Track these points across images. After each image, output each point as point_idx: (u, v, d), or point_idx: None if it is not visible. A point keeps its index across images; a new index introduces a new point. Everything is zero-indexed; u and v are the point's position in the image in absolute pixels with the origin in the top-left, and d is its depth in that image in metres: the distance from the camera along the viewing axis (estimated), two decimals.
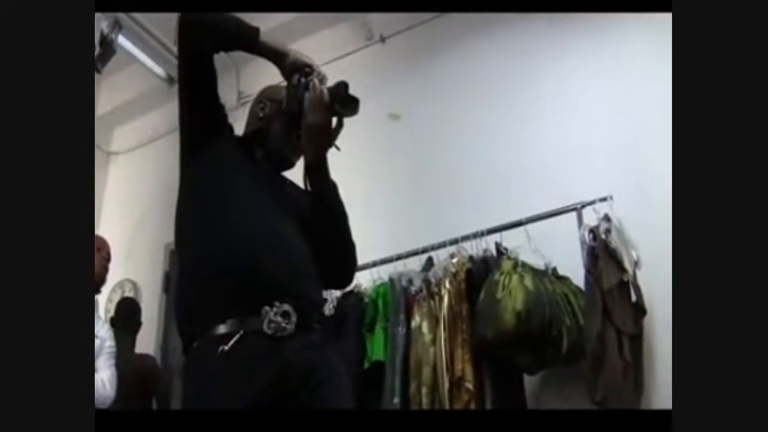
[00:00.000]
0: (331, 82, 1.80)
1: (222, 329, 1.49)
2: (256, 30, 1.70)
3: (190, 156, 1.76)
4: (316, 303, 1.68)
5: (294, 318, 1.51)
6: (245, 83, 5.12)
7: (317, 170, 1.74)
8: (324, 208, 1.75)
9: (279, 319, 1.49)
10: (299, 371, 1.50)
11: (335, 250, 1.78)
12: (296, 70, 1.72)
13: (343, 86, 1.69)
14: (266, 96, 1.87)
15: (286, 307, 1.51)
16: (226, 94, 5.58)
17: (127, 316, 4.11)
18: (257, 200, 1.68)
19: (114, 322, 3.99)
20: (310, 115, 1.67)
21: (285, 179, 1.87)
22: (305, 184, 1.76)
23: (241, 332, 1.47)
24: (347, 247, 1.81)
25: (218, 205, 1.67)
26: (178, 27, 1.68)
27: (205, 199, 1.69)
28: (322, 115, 1.68)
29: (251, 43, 1.71)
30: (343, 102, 1.68)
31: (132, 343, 4.03)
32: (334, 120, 1.72)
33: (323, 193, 1.75)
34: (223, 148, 1.75)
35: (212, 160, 1.72)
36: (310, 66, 1.72)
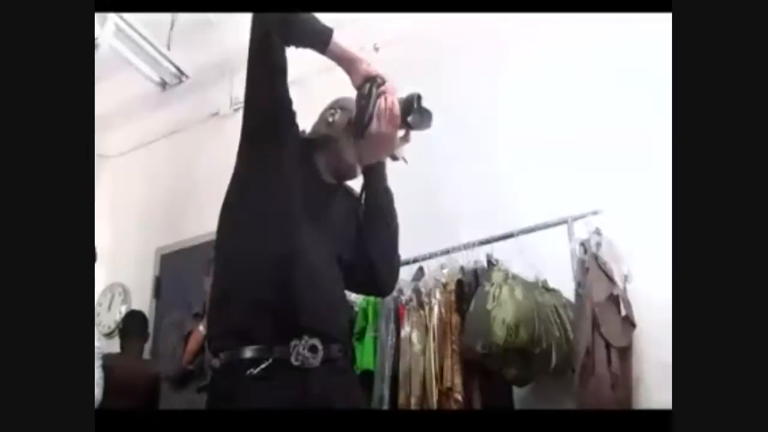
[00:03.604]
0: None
1: (249, 353, 1.51)
2: (330, 31, 1.67)
3: (250, 151, 1.72)
4: (342, 336, 1.71)
5: (321, 353, 1.54)
6: (238, 89, 5.10)
7: (374, 174, 1.77)
8: (376, 211, 1.78)
9: (307, 353, 1.52)
10: (322, 402, 1.53)
11: (382, 256, 1.80)
12: (367, 79, 1.71)
13: (416, 98, 1.69)
14: (338, 104, 1.84)
15: (315, 341, 1.53)
16: (220, 99, 5.62)
17: (136, 327, 4.23)
18: (305, 217, 1.66)
19: (122, 333, 4.20)
20: (378, 123, 1.68)
21: (341, 187, 1.86)
22: (362, 189, 1.80)
23: (270, 360, 1.49)
24: (393, 254, 1.84)
25: (266, 217, 1.64)
26: (252, 17, 1.65)
27: (253, 205, 1.67)
28: (390, 126, 1.69)
29: (322, 43, 1.67)
30: (417, 115, 1.69)
31: (140, 352, 4.20)
32: (401, 131, 1.73)
33: (377, 197, 1.79)
34: (285, 149, 1.70)
35: (270, 161, 1.68)
36: (381, 76, 1.71)
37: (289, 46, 1.67)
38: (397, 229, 1.81)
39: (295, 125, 1.76)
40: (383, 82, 1.71)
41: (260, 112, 1.71)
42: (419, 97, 1.68)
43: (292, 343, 1.51)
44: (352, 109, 1.75)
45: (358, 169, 1.79)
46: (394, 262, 1.86)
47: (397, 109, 1.68)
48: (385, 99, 1.69)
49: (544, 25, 4.03)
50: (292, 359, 1.50)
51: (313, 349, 1.52)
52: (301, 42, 1.68)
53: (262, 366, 1.47)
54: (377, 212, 1.79)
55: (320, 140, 1.80)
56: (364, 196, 1.80)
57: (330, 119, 1.81)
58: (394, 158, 1.79)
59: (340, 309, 1.72)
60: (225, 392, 1.54)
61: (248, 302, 1.56)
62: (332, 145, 1.78)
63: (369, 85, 1.70)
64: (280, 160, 1.69)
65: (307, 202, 1.68)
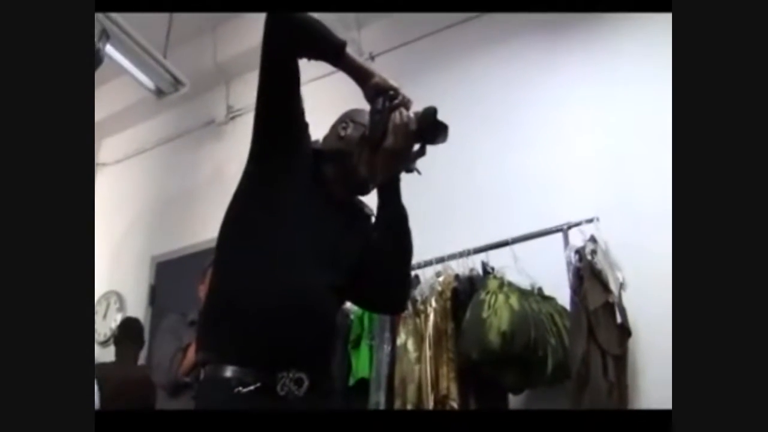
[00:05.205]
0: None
1: (233, 373, 1.50)
2: (343, 44, 1.64)
3: (260, 165, 1.67)
4: (328, 368, 1.71)
5: (306, 384, 1.53)
6: (234, 97, 5.13)
7: (389, 190, 1.73)
8: (391, 229, 1.74)
9: (292, 385, 1.51)
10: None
11: (394, 274, 1.76)
12: (380, 92, 1.67)
13: (431, 113, 1.63)
14: (350, 117, 1.79)
15: (301, 375, 1.52)
16: (216, 108, 5.62)
17: (133, 334, 4.22)
18: (308, 242, 1.63)
19: (118, 340, 4.18)
20: (392, 138, 1.64)
21: (352, 203, 1.83)
22: (378, 206, 1.75)
23: (259, 384, 1.48)
24: (406, 274, 1.81)
25: (268, 242, 1.61)
26: (264, 27, 1.60)
27: (257, 225, 1.63)
28: (404, 142, 1.65)
29: (336, 55, 1.64)
30: (433, 130, 1.64)
31: (135, 359, 4.18)
32: (416, 145, 1.69)
33: (392, 214, 1.74)
34: (296, 165, 1.67)
35: (280, 177, 1.65)
36: (395, 89, 1.68)
37: (301, 57, 1.63)
38: (411, 247, 1.77)
39: (307, 137, 1.72)
40: (397, 96, 1.68)
41: (273, 126, 1.66)
42: (435, 111, 1.63)
43: (279, 374, 1.50)
44: (365, 122, 1.72)
45: (371, 186, 1.76)
46: (406, 282, 1.82)
47: (412, 124, 1.64)
48: (400, 113, 1.65)
49: (543, 28, 4.05)
50: (278, 389, 1.50)
51: (298, 381, 1.51)
52: (314, 54, 1.65)
53: (251, 388, 1.47)
54: (391, 230, 1.74)
55: (331, 154, 1.75)
56: (377, 212, 1.76)
57: (342, 133, 1.76)
58: (409, 171, 1.75)
59: (330, 344, 1.71)
60: (209, 404, 1.54)
61: (240, 327, 1.55)
62: (344, 160, 1.73)
63: (382, 99, 1.67)
64: (289, 176, 1.65)
65: (313, 222, 1.66)
